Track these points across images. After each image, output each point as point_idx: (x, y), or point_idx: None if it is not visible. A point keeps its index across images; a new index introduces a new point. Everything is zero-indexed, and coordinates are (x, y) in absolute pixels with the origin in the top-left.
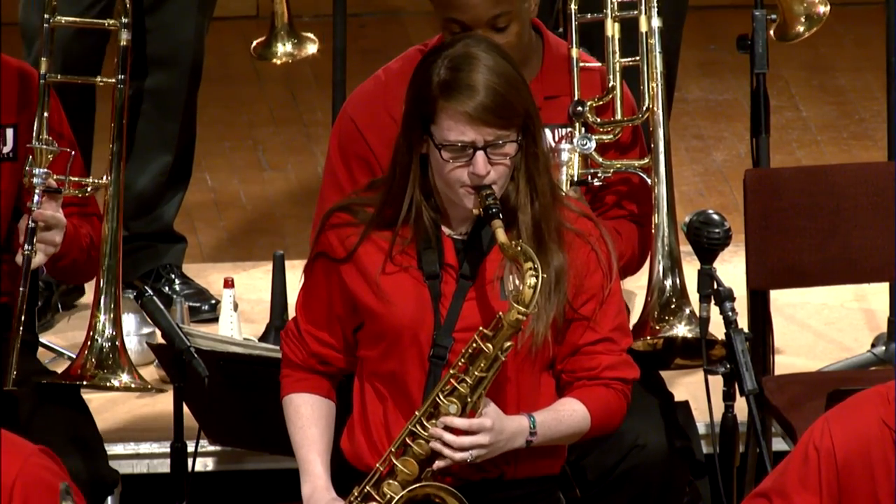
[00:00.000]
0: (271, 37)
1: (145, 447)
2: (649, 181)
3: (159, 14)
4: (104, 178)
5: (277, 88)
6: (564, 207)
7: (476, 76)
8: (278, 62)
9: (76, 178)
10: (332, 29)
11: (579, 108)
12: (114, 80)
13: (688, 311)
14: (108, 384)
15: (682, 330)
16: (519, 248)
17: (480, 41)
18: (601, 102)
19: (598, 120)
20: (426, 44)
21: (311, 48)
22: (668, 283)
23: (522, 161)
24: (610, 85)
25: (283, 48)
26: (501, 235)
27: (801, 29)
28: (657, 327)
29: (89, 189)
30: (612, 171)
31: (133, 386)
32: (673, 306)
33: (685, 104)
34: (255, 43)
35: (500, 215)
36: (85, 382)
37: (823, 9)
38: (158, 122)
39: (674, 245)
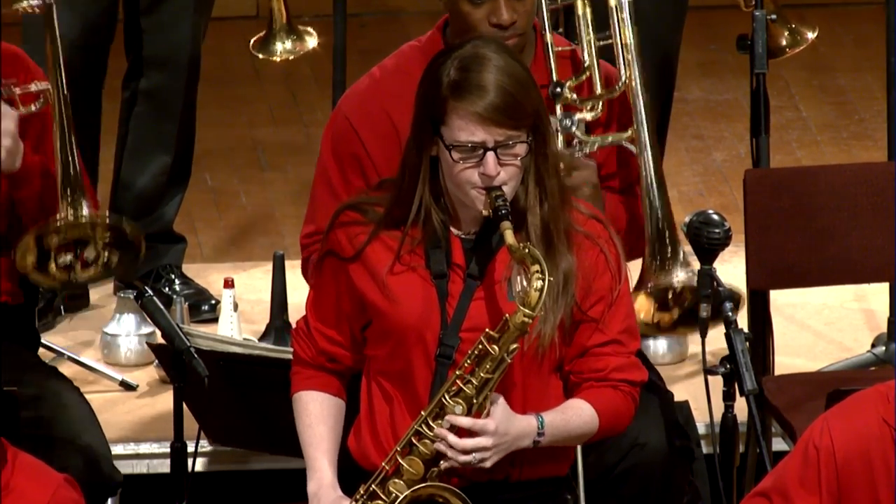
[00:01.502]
0: (270, 34)
1: (145, 447)
2: (635, 150)
3: (156, 14)
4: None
5: (277, 88)
6: (573, 209)
7: (486, 76)
8: (278, 59)
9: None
10: (332, 29)
11: (558, 90)
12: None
13: (682, 254)
14: (79, 219)
15: (679, 276)
16: (526, 251)
17: (490, 42)
18: (578, 82)
19: (577, 98)
20: (420, 40)
21: (311, 42)
22: (660, 244)
23: (532, 162)
24: (586, 64)
25: (283, 46)
26: (510, 237)
27: (783, 42)
28: (657, 278)
29: (32, 88)
30: (597, 146)
31: (95, 219)
32: (669, 256)
33: (685, 104)
34: (252, 40)
35: (510, 217)
36: (59, 222)
37: (811, 34)
38: (157, 123)
39: (665, 210)
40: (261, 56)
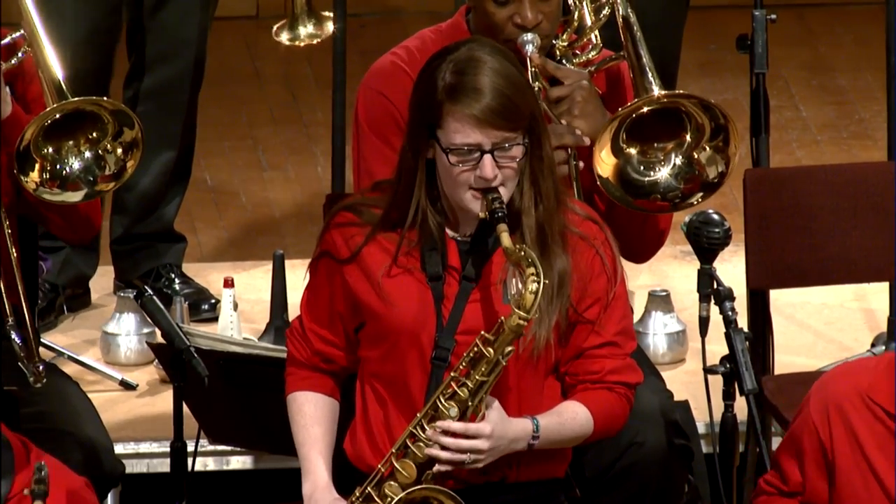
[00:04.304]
0: (292, 20)
1: (145, 447)
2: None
3: (163, 13)
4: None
5: (277, 88)
6: (569, 211)
7: (482, 79)
8: (301, 44)
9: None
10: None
11: (554, 41)
12: None
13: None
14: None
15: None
16: (522, 253)
17: (484, 44)
18: (571, 30)
19: (571, 43)
20: (440, 27)
21: (331, 26)
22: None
23: (527, 164)
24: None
25: (306, 30)
26: (506, 239)
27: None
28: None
29: (7, 40)
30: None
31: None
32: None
33: None
34: (275, 27)
35: (506, 219)
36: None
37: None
38: (162, 121)
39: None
40: (286, 42)
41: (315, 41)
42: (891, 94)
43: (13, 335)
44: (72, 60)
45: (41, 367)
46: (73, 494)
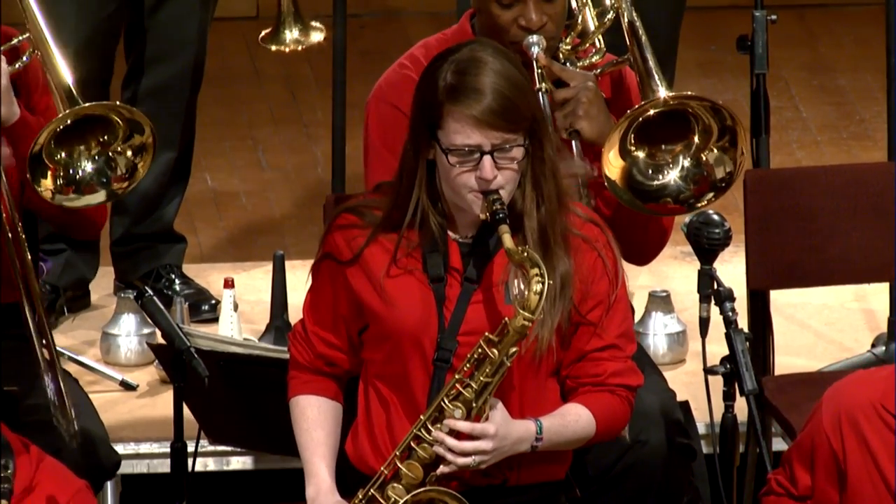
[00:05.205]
0: (278, 24)
1: (145, 447)
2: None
3: (162, 12)
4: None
5: (277, 88)
6: (571, 213)
7: (483, 79)
8: (286, 49)
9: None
10: (332, 29)
11: (557, 45)
12: None
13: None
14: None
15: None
16: (525, 254)
17: (487, 45)
18: (576, 33)
19: (576, 47)
20: (445, 33)
21: (317, 36)
22: None
23: (529, 166)
24: (576, 11)
25: (291, 35)
26: (508, 241)
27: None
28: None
29: (14, 42)
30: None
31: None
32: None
33: None
34: (263, 33)
35: (507, 220)
36: None
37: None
38: (161, 121)
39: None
40: (273, 48)
41: (299, 48)
42: (891, 94)
43: (48, 383)
44: (72, 65)
45: (75, 426)
46: (73, 498)
